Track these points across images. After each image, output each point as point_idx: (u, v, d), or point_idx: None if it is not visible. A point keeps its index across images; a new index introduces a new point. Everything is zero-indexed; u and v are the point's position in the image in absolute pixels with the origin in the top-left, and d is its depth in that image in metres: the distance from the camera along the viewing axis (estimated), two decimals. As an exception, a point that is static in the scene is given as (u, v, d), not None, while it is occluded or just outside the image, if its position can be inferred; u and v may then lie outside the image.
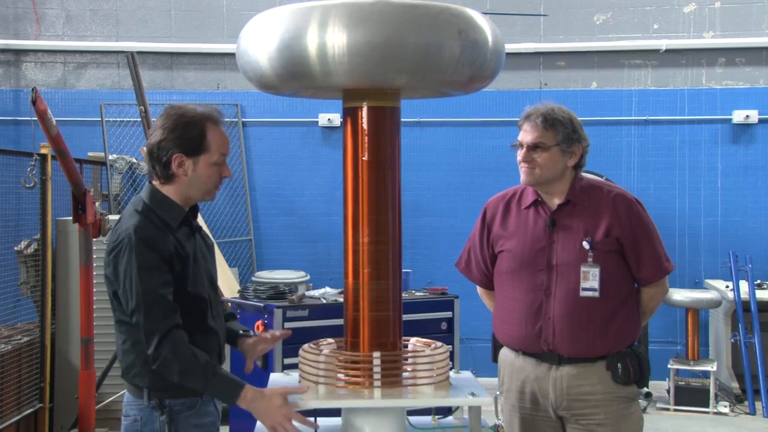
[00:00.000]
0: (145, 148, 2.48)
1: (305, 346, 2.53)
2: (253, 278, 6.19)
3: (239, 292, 5.53)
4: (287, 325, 4.77)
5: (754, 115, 7.30)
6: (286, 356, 4.70)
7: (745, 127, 7.35)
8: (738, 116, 7.31)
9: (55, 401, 5.44)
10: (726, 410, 6.24)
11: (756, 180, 7.34)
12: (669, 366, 6.38)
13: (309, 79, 2.26)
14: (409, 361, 2.45)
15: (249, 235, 7.62)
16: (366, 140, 2.44)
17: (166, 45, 7.72)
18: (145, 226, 2.34)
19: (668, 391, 6.39)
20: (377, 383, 2.37)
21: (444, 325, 5.32)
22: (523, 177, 2.84)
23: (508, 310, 2.91)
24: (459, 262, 3.14)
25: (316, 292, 5.28)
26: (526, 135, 2.83)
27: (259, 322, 4.80)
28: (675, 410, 6.31)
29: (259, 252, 7.64)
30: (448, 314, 5.34)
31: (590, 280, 2.75)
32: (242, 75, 2.47)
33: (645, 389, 5.85)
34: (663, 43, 7.42)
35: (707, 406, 6.23)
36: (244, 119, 7.67)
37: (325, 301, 5.07)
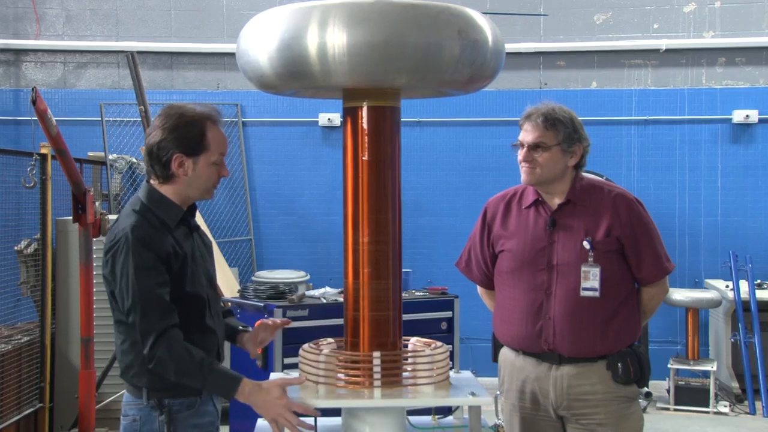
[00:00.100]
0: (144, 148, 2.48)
1: (305, 345, 2.53)
2: (253, 278, 6.19)
3: (239, 291, 5.53)
4: (287, 325, 4.76)
5: (754, 115, 7.30)
6: (286, 356, 4.71)
7: (745, 126, 7.35)
8: (738, 116, 7.31)
9: (55, 401, 5.44)
10: (726, 410, 6.24)
11: (756, 180, 7.34)
12: (669, 366, 6.38)
13: (309, 78, 2.26)
14: (409, 360, 2.45)
15: (249, 234, 7.62)
16: (366, 140, 2.44)
17: (166, 45, 7.72)
18: (141, 225, 2.34)
19: (668, 391, 6.39)
20: (377, 383, 2.37)
21: (444, 325, 5.32)
22: (523, 177, 2.84)
23: (508, 310, 2.90)
24: (459, 261, 3.14)
25: (316, 292, 5.28)
26: (527, 134, 2.83)
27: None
28: (675, 410, 6.31)
29: (259, 252, 7.64)
30: (448, 314, 5.34)
31: (591, 279, 2.75)
32: (242, 75, 2.47)
33: (645, 389, 5.85)
34: (663, 43, 7.42)
35: (707, 405, 6.23)
36: (244, 119, 7.67)
37: (325, 301, 5.08)
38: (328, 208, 7.48)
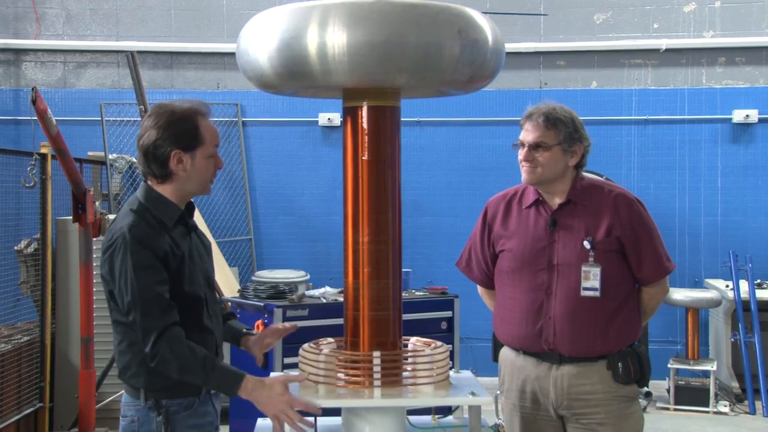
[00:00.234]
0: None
1: (305, 345, 2.53)
2: (253, 278, 6.19)
3: (239, 291, 5.53)
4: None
5: (754, 115, 7.30)
6: (286, 356, 4.70)
7: (745, 126, 7.35)
8: (738, 116, 7.31)
9: (55, 401, 5.44)
10: (726, 410, 6.24)
11: (756, 180, 7.34)
12: (669, 365, 6.38)
13: (309, 78, 2.26)
14: (409, 360, 2.45)
15: (249, 234, 7.62)
16: (366, 140, 2.44)
17: (166, 44, 7.72)
18: (139, 225, 2.34)
19: (668, 391, 6.39)
20: (377, 383, 2.37)
21: (444, 325, 5.32)
22: (524, 176, 2.84)
23: (508, 310, 2.90)
24: (459, 261, 3.14)
25: (316, 292, 5.28)
26: (528, 134, 2.82)
27: (259, 322, 4.81)
28: (675, 410, 6.31)
29: (259, 251, 7.64)
30: (448, 314, 5.34)
31: (591, 279, 2.75)
32: (242, 74, 2.47)
33: (645, 389, 5.85)
34: (663, 43, 7.42)
35: (707, 405, 6.23)
36: (244, 119, 7.67)
37: (325, 301, 5.07)
38: (328, 208, 7.48)
